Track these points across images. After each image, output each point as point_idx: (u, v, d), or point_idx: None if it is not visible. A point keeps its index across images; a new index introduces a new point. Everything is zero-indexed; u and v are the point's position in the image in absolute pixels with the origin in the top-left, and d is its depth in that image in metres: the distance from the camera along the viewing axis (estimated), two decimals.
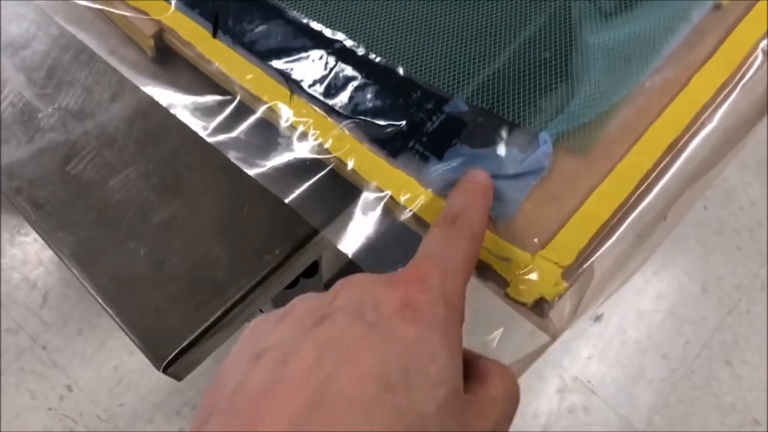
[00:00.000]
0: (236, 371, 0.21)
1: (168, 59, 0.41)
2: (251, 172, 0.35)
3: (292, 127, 0.36)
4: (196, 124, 0.37)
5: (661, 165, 0.32)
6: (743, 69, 0.34)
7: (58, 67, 0.42)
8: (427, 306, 0.22)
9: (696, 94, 0.33)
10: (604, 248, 0.30)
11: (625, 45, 0.35)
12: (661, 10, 0.35)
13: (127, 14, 0.40)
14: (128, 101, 0.41)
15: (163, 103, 0.38)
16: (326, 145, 0.35)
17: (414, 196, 0.32)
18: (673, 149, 0.32)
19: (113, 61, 0.40)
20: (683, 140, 0.32)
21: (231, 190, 0.39)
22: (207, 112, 0.38)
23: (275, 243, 0.37)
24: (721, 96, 0.33)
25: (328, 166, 0.35)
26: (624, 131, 0.33)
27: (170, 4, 0.40)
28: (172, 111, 0.38)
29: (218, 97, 0.38)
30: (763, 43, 0.34)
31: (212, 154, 0.36)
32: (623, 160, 0.32)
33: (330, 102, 0.36)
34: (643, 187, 0.31)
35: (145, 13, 0.40)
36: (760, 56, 0.34)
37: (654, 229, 0.32)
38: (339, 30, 0.38)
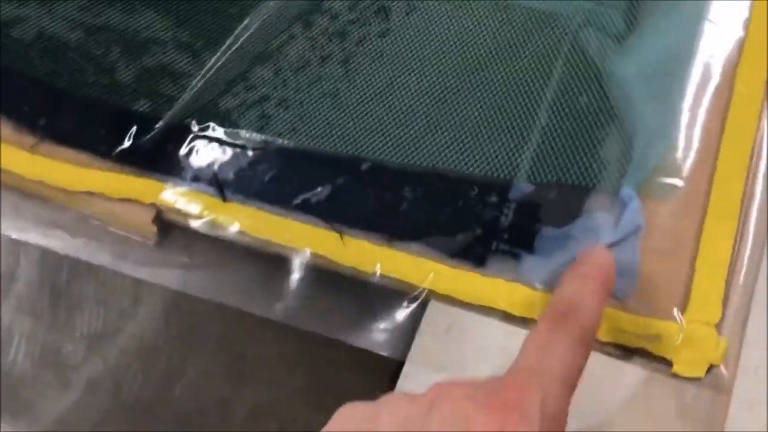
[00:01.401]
0: None
1: (175, 239, 0.36)
2: (337, 337, 0.32)
3: (358, 270, 0.33)
4: (247, 306, 0.34)
5: (751, 174, 0.31)
6: None
7: (60, 291, 0.37)
8: None
9: (748, 91, 0.32)
10: (740, 284, 0.29)
11: (654, 65, 0.33)
12: (673, 16, 0.34)
13: (115, 210, 0.36)
14: (153, 299, 0.36)
15: (196, 293, 0.35)
16: (407, 280, 0.32)
17: (528, 301, 0.30)
18: (753, 155, 0.31)
19: (116, 265, 0.36)
20: (758, 141, 0.31)
21: (303, 349, 0.35)
22: (249, 285, 0.34)
23: (369, 393, 0.34)
24: None
25: (416, 300, 0.32)
26: (698, 157, 0.32)
27: (163, 182, 0.36)
28: (213, 299, 0.34)
29: (253, 265, 0.35)
30: None
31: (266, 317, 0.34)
32: (714, 191, 0.31)
33: (389, 230, 0.33)
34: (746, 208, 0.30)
35: (137, 201, 0.36)
36: None
37: None
38: (362, 149, 0.35)
